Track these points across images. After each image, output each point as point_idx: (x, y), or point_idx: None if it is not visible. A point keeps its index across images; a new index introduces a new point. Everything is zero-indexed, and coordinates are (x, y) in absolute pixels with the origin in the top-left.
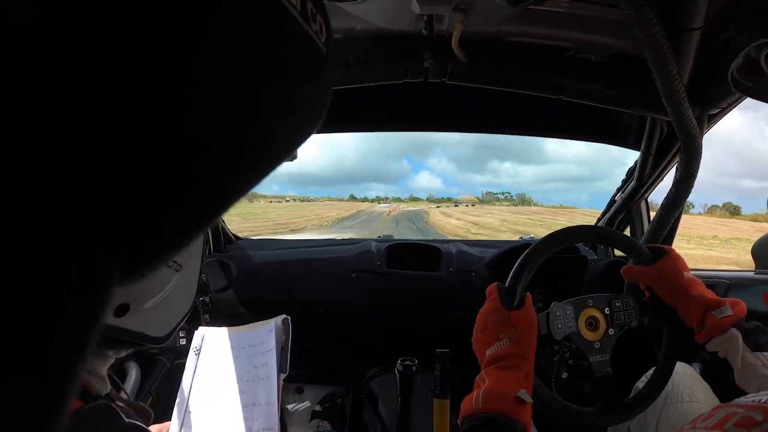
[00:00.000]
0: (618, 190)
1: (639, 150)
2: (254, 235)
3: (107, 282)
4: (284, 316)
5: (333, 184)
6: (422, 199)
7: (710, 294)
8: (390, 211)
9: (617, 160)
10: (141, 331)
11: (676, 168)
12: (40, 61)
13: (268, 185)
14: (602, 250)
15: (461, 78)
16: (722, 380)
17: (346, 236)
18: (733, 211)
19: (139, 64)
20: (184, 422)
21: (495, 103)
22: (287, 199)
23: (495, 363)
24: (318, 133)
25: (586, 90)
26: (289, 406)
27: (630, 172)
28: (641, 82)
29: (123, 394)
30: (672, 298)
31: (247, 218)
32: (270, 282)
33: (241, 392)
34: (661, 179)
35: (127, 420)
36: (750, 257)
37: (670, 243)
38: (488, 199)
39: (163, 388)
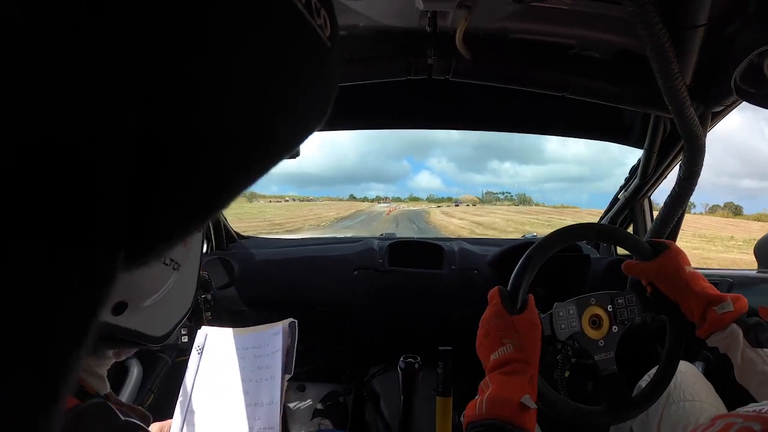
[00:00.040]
0: (621, 188)
1: (642, 148)
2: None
3: (108, 280)
4: (291, 319)
5: (333, 184)
6: (422, 199)
7: (712, 289)
8: (390, 211)
9: (617, 160)
10: (139, 330)
11: (680, 166)
12: (40, 61)
13: (267, 185)
14: (605, 249)
15: (465, 75)
16: (725, 380)
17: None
18: (734, 210)
19: (140, 62)
20: (186, 420)
21: (498, 101)
22: (286, 198)
23: (499, 368)
24: (321, 130)
25: (589, 87)
26: (291, 405)
27: (633, 170)
28: (645, 79)
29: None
30: (673, 292)
31: (242, 218)
32: (272, 280)
33: (244, 392)
34: (665, 177)
35: (123, 418)
36: None
37: (674, 240)
38: (488, 198)
39: (164, 386)
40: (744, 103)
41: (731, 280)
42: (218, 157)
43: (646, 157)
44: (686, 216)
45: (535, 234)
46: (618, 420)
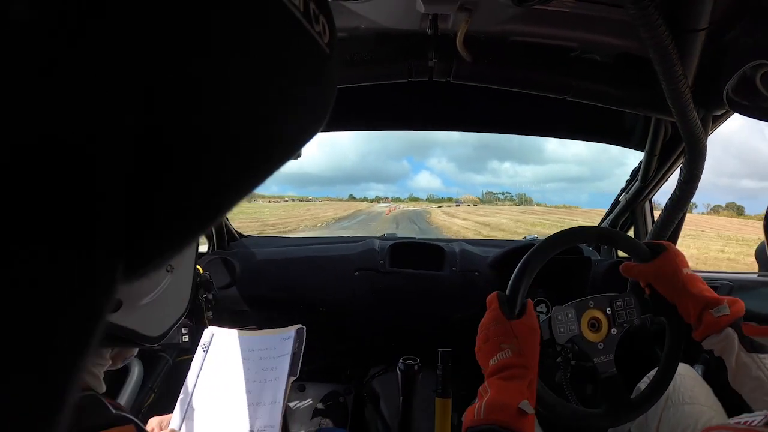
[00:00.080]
0: (622, 191)
1: (643, 151)
2: None
3: (109, 281)
4: (300, 325)
5: (332, 184)
6: (422, 199)
7: (709, 291)
8: (389, 211)
9: (617, 160)
10: (134, 328)
11: (681, 169)
12: (40, 61)
13: (267, 185)
14: (606, 251)
15: (466, 77)
16: (724, 383)
17: None
18: (737, 211)
19: (139, 65)
20: (186, 415)
21: (499, 103)
22: (285, 199)
23: (497, 373)
24: (323, 131)
25: (591, 90)
26: (291, 404)
27: (634, 173)
28: (646, 82)
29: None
30: (671, 294)
31: (233, 218)
32: (273, 279)
33: (247, 391)
34: (665, 180)
35: (114, 411)
36: None
37: (674, 243)
38: (488, 199)
39: (165, 385)
40: None
41: (731, 283)
42: (218, 159)
43: (647, 160)
44: (700, 217)
45: (536, 236)
46: (617, 422)
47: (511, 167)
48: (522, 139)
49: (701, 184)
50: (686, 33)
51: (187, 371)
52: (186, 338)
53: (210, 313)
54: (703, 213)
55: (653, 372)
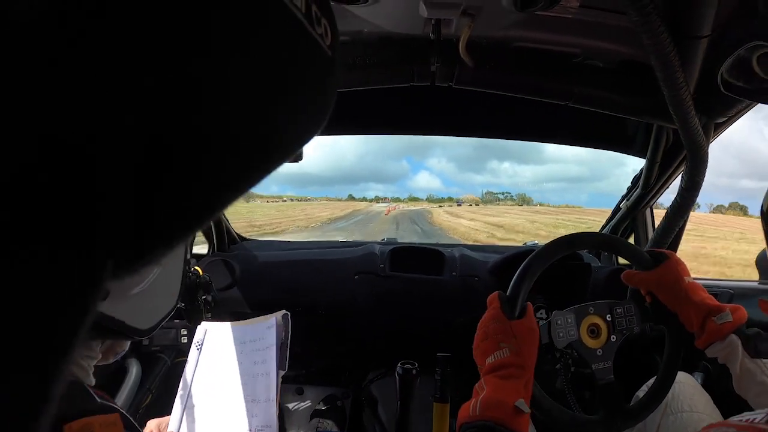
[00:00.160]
0: (623, 198)
1: (645, 158)
2: None
3: (98, 277)
4: (284, 311)
5: (332, 184)
6: (422, 199)
7: (711, 299)
8: (389, 211)
9: (616, 161)
10: (123, 320)
11: (682, 176)
12: (40, 61)
13: (267, 185)
14: (606, 258)
15: (468, 82)
16: (724, 390)
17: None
18: (741, 210)
19: (139, 65)
20: (185, 415)
21: (501, 109)
22: (284, 198)
23: (494, 371)
24: (323, 135)
25: (593, 97)
26: (290, 406)
27: (635, 180)
28: (648, 89)
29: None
30: (673, 302)
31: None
32: (273, 282)
33: (243, 387)
34: (667, 187)
35: (99, 400)
36: None
37: (675, 251)
38: (488, 199)
39: (163, 386)
40: None
41: (732, 291)
42: (218, 159)
43: (648, 167)
44: (715, 216)
45: (536, 242)
46: (614, 430)
47: (510, 167)
48: None
49: None
50: (688, 40)
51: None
52: (185, 339)
53: (209, 315)
54: (706, 213)
55: (652, 380)
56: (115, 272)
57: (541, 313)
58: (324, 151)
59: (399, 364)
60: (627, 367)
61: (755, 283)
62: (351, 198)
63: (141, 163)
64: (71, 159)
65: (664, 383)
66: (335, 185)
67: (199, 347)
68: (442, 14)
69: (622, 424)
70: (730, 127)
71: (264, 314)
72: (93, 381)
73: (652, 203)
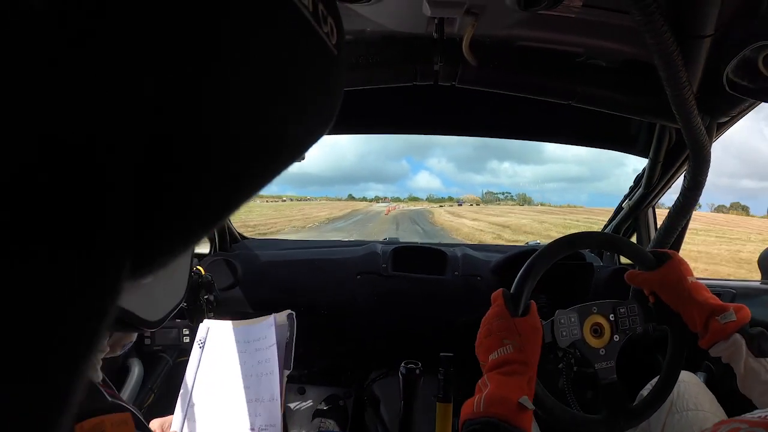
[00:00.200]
0: (625, 197)
1: (647, 157)
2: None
3: (115, 282)
4: (289, 311)
5: (332, 184)
6: (422, 199)
7: (714, 299)
8: (389, 211)
9: (616, 161)
10: (133, 311)
11: (684, 176)
12: (40, 60)
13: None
14: (608, 257)
15: (471, 82)
16: (727, 390)
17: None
18: (743, 210)
19: (145, 65)
20: (187, 415)
21: (504, 108)
22: (284, 198)
23: (498, 368)
24: (328, 134)
25: (596, 96)
26: (292, 405)
27: (638, 180)
28: (651, 89)
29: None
30: (676, 302)
31: None
32: (275, 281)
33: (245, 387)
34: (669, 187)
35: (110, 399)
36: None
37: (677, 251)
38: (489, 198)
39: (165, 386)
40: None
41: (734, 291)
42: (225, 159)
43: (651, 167)
44: (723, 216)
45: (538, 241)
46: (616, 429)
47: (510, 167)
48: None
49: None
50: (692, 39)
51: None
52: (186, 339)
53: (211, 315)
54: (707, 212)
55: (656, 379)
56: (131, 274)
57: (544, 314)
58: (324, 151)
59: (402, 364)
60: (630, 366)
61: (757, 283)
62: (351, 198)
63: (142, 163)
64: (71, 159)
65: (666, 383)
66: (335, 185)
67: (201, 345)
68: (446, 13)
69: (625, 423)
70: (732, 127)
71: (266, 314)
72: (101, 376)
73: (654, 203)
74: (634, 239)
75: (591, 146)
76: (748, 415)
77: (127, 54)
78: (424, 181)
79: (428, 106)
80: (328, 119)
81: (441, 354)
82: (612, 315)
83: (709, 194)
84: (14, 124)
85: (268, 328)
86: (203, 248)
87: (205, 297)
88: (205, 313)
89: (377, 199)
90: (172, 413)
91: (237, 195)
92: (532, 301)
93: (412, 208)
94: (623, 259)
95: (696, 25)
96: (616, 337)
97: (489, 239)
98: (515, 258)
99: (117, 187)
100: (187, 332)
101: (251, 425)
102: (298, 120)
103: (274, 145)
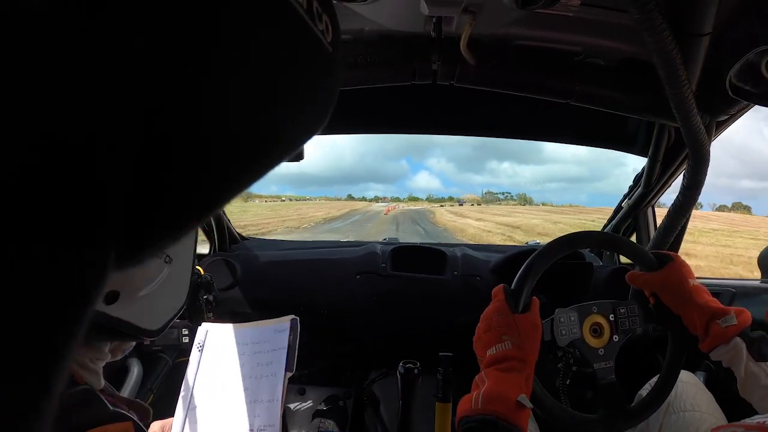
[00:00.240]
0: (624, 197)
1: (646, 156)
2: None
3: (100, 271)
4: (293, 316)
5: (331, 184)
6: (421, 199)
7: (715, 302)
8: (388, 210)
9: (616, 161)
10: (133, 322)
11: (684, 175)
12: (39, 60)
13: (266, 185)
14: (608, 257)
15: (469, 81)
16: (726, 390)
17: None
18: (743, 210)
19: (141, 63)
20: (188, 417)
21: (502, 107)
22: (282, 198)
23: (496, 364)
24: (325, 133)
25: (594, 95)
26: (291, 406)
27: (637, 179)
28: (650, 87)
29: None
30: (677, 305)
31: None
32: (274, 282)
33: (244, 389)
34: (668, 186)
35: (111, 408)
36: None
37: (677, 250)
38: (489, 198)
39: (164, 386)
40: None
41: (734, 290)
42: (219, 157)
43: (650, 166)
44: (739, 216)
45: (538, 241)
46: (614, 429)
47: (510, 167)
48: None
49: None
50: (690, 37)
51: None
52: (186, 339)
53: (210, 315)
54: (709, 212)
55: (655, 378)
56: (116, 264)
57: (543, 312)
58: (323, 151)
59: (401, 364)
60: (629, 366)
61: (757, 282)
62: (350, 198)
63: (142, 161)
64: (71, 159)
65: (665, 384)
66: (334, 185)
67: (200, 348)
68: (444, 12)
69: (623, 424)
70: (730, 126)
71: (266, 314)
72: (103, 383)
73: (653, 202)
74: (633, 238)
75: (590, 145)
76: (747, 420)
77: (127, 54)
78: (424, 181)
79: (426, 106)
80: (323, 117)
81: (440, 354)
82: (612, 315)
83: (708, 194)
84: (14, 124)
85: (277, 333)
86: (203, 248)
87: (205, 297)
88: (205, 313)
89: (377, 199)
90: (172, 413)
91: (229, 190)
92: (535, 297)
93: (412, 207)
94: (623, 259)
95: (695, 24)
96: (616, 338)
97: (498, 241)
98: (515, 258)
99: (117, 187)
100: (186, 332)
101: (250, 426)
102: (292, 118)
103: (268, 142)
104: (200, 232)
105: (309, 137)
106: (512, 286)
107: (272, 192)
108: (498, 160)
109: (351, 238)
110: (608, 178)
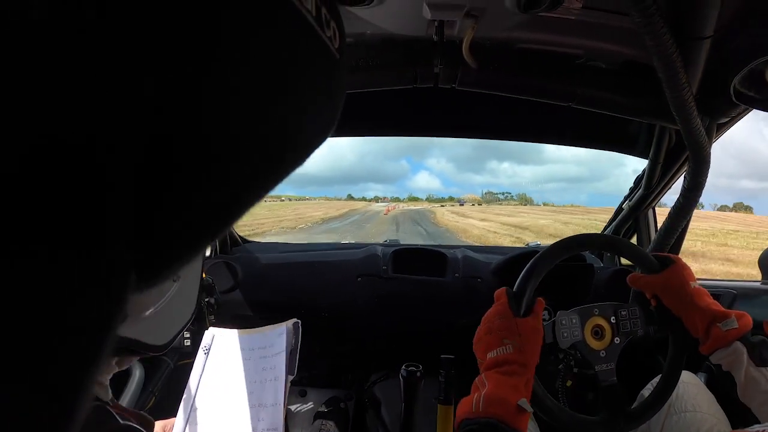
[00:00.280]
0: (625, 198)
1: (647, 158)
2: None
3: (120, 288)
4: (295, 319)
5: (331, 184)
6: (422, 199)
7: (716, 305)
8: (388, 210)
9: (616, 161)
10: (140, 339)
11: (684, 177)
12: (40, 60)
13: None
14: (608, 258)
15: (471, 84)
16: (727, 391)
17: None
18: (745, 210)
19: (142, 65)
20: (190, 419)
21: (504, 110)
22: (282, 198)
23: (496, 367)
24: (329, 136)
25: (595, 98)
26: (292, 408)
27: (638, 181)
28: (651, 90)
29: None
30: (678, 307)
31: None
32: (276, 284)
33: (249, 393)
34: (669, 188)
35: (122, 421)
36: None
37: (677, 252)
38: (489, 199)
39: (166, 389)
40: None
41: (735, 291)
42: (227, 161)
43: (651, 168)
44: (757, 218)
45: (538, 242)
46: (616, 431)
47: (510, 167)
48: None
49: None
50: (691, 41)
51: (189, 375)
52: (188, 342)
53: (212, 317)
54: (720, 212)
55: (657, 378)
56: (137, 284)
57: (544, 315)
58: (323, 151)
59: (403, 366)
60: (630, 369)
61: (758, 283)
62: (350, 198)
63: (142, 163)
64: (71, 159)
65: (666, 386)
66: (334, 185)
67: (206, 352)
68: (446, 16)
69: (625, 426)
70: (731, 127)
71: (267, 316)
72: (110, 395)
73: (654, 203)
74: (634, 240)
75: (591, 147)
76: (749, 429)
77: (127, 54)
78: (424, 182)
79: (428, 109)
80: (330, 123)
81: (442, 356)
82: (613, 317)
83: (708, 195)
84: (14, 124)
85: (278, 336)
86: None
87: (206, 300)
88: (206, 316)
89: (376, 199)
90: (174, 416)
91: (240, 197)
92: (540, 298)
93: (412, 207)
94: (624, 261)
95: (695, 27)
96: (617, 340)
97: (508, 242)
98: (516, 259)
99: (117, 187)
100: (188, 335)
101: (253, 429)
102: (299, 122)
103: (276, 147)
104: None
105: (318, 144)
106: (514, 289)
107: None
108: (498, 161)
109: (349, 240)
110: (608, 179)
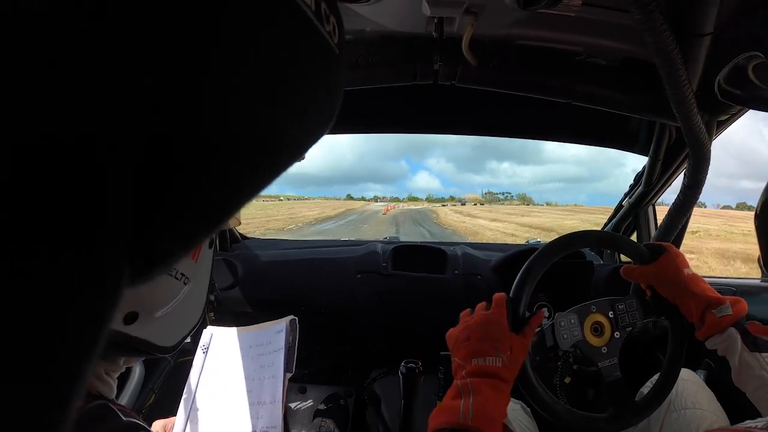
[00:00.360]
0: (625, 195)
1: (647, 155)
2: None
3: (115, 285)
4: (292, 316)
5: (330, 184)
6: (421, 199)
7: (711, 291)
8: (387, 210)
9: (615, 161)
10: (149, 340)
11: (684, 174)
12: (40, 60)
13: None
14: (608, 256)
15: (471, 81)
16: (726, 388)
17: None
18: (748, 210)
19: (141, 65)
20: (190, 417)
21: (504, 107)
22: (281, 198)
23: (483, 377)
24: (328, 134)
25: (595, 94)
26: (292, 405)
27: (638, 178)
28: (651, 87)
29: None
30: (673, 295)
31: None
32: (275, 281)
33: (248, 391)
34: (669, 185)
35: (125, 419)
36: None
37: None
38: (489, 198)
39: (166, 386)
40: None
41: (734, 288)
42: (226, 160)
43: (651, 165)
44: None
45: (539, 240)
46: (623, 426)
47: (509, 167)
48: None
49: None
50: (691, 38)
51: (188, 372)
52: (188, 340)
53: (212, 315)
54: (722, 210)
55: (656, 376)
56: (131, 278)
57: (545, 313)
58: (322, 151)
59: (402, 363)
60: (631, 365)
61: (758, 281)
62: (349, 198)
63: (142, 162)
64: (71, 159)
65: (668, 377)
66: (334, 185)
67: (205, 351)
68: (445, 12)
69: (632, 419)
70: (730, 127)
71: (267, 313)
72: (114, 392)
73: (654, 201)
74: (634, 237)
75: (591, 144)
76: (741, 425)
77: (127, 54)
78: (423, 182)
79: (428, 106)
80: (329, 119)
81: (441, 353)
82: (611, 312)
83: (708, 194)
84: (14, 124)
85: (276, 334)
86: None
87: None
88: (206, 313)
89: (375, 199)
90: (174, 414)
91: (237, 195)
92: (540, 312)
93: (413, 207)
94: (624, 257)
95: (695, 24)
96: (617, 334)
97: None
98: (516, 257)
99: (117, 186)
100: None
101: (253, 427)
102: (298, 120)
103: (274, 145)
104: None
105: (315, 140)
106: (511, 294)
107: (271, 192)
108: (497, 161)
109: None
110: (608, 178)
